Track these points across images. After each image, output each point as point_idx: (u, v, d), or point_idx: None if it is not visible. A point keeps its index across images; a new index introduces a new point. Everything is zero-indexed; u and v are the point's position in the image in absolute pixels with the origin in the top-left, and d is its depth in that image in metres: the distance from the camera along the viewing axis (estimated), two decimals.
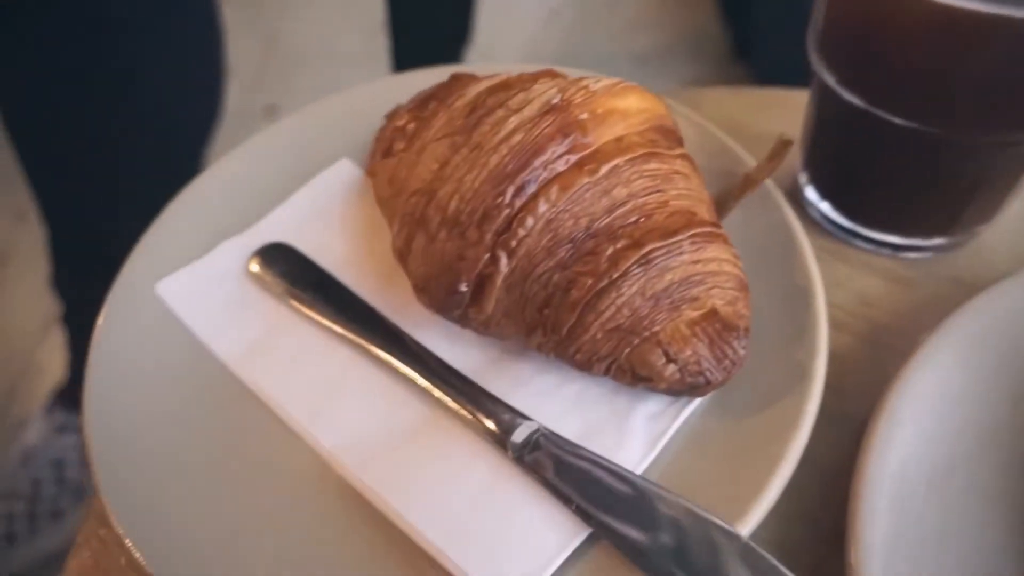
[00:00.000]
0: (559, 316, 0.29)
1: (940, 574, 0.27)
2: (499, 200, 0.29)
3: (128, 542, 0.29)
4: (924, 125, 0.32)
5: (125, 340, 0.37)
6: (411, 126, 0.36)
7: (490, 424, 0.31)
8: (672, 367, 0.29)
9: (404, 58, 1.36)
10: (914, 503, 0.28)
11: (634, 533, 0.27)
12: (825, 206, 0.39)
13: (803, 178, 0.41)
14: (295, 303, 0.37)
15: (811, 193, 0.40)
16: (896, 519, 0.28)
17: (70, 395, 1.08)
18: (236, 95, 1.03)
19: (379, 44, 1.59)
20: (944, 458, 0.29)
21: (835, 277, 0.38)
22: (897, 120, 0.32)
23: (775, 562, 0.26)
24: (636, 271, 0.28)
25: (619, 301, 0.28)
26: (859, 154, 0.36)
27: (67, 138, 0.86)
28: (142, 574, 0.32)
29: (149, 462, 0.33)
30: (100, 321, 0.38)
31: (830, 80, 0.34)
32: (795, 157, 0.42)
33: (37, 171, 0.91)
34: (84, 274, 0.95)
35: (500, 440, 0.30)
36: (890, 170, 0.35)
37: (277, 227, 0.42)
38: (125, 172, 0.89)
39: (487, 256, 0.29)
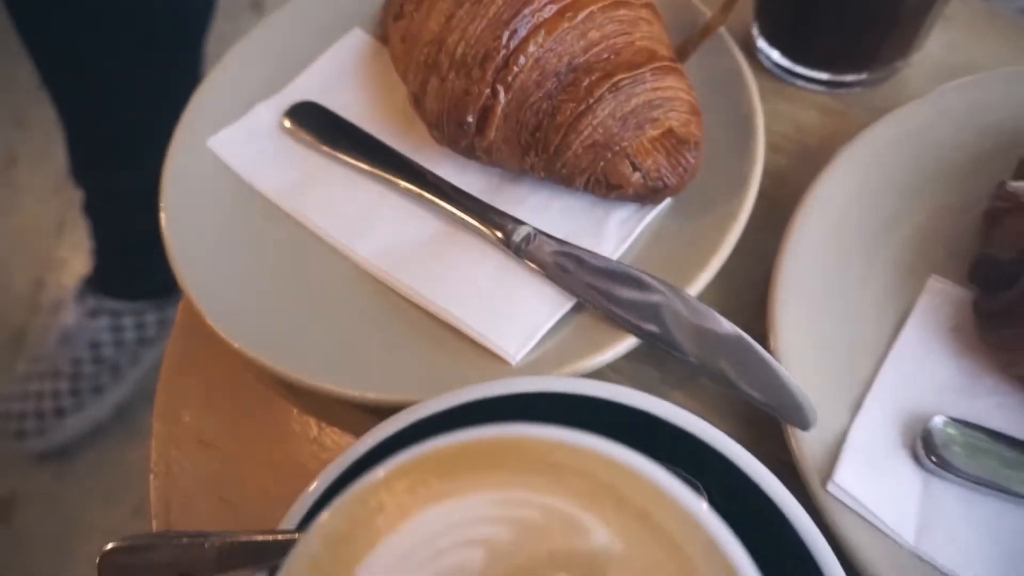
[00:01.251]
0: (547, 137, 0.37)
1: (832, 321, 0.36)
2: (497, 43, 0.36)
3: (211, 322, 0.38)
4: None
5: (188, 183, 0.45)
6: None
7: (496, 232, 0.39)
8: (637, 175, 0.37)
9: None
10: (817, 273, 0.37)
11: (610, 299, 0.36)
12: (772, 52, 0.46)
13: (755, 28, 0.47)
14: (326, 149, 0.45)
15: (760, 41, 0.47)
16: (805, 284, 0.36)
17: (98, 281, 1.16)
18: None
19: None
20: (845, 239, 0.38)
21: (777, 111, 0.45)
22: None
23: (714, 313, 0.35)
24: (607, 97, 0.36)
25: (595, 122, 0.36)
26: (797, 1, 0.43)
27: (75, 33, 0.90)
28: (228, 353, 0.41)
29: (222, 272, 0.41)
30: (165, 171, 0.45)
31: None
32: (749, 10, 0.48)
33: (47, 66, 0.95)
34: (102, 163, 1.01)
35: (504, 243, 0.39)
36: (822, 13, 0.42)
37: (302, 89, 0.48)
38: (133, 63, 0.93)
39: (488, 91, 0.37)
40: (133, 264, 1.13)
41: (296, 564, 0.22)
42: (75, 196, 1.44)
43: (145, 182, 1.00)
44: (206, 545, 0.30)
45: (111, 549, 0.31)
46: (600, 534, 0.21)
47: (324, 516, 0.22)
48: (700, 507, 0.21)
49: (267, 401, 0.40)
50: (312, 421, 0.39)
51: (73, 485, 1.20)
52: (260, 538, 0.30)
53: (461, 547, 0.21)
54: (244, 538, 0.30)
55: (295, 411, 0.39)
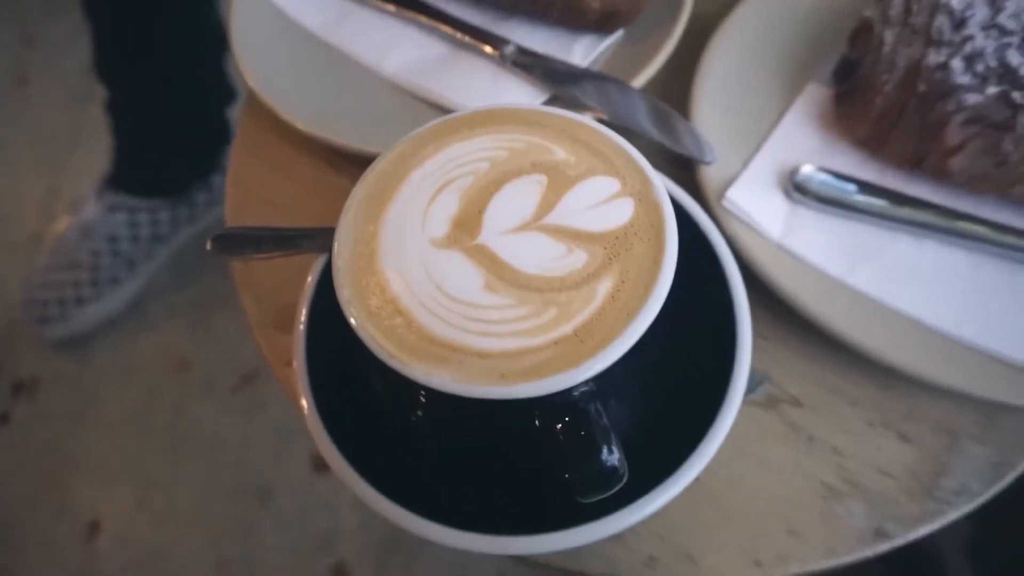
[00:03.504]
0: None
1: (738, 106, 0.49)
2: None
3: (277, 110, 0.50)
4: None
5: (250, 12, 0.56)
6: None
7: (492, 49, 0.52)
8: (597, 3, 0.50)
9: None
10: (729, 76, 0.50)
11: (575, 90, 0.49)
12: None
13: None
14: None
15: None
16: (719, 81, 0.50)
17: (118, 177, 1.26)
18: None
19: None
20: (752, 53, 0.51)
21: None
22: None
23: (651, 97, 0.48)
24: None
25: None
26: None
27: None
28: (283, 139, 0.54)
29: (282, 79, 0.53)
30: (232, 8, 0.57)
31: None
32: None
33: None
34: (127, 57, 1.10)
35: (498, 57, 0.51)
36: None
37: None
38: None
39: None
40: (151, 161, 1.23)
41: (375, 167, 0.35)
42: (88, 110, 1.54)
43: (167, 75, 1.11)
44: (282, 234, 0.43)
45: (217, 235, 0.43)
46: (561, 153, 0.34)
47: (393, 146, 0.35)
48: (623, 140, 0.35)
49: (314, 172, 0.52)
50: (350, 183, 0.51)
51: (91, 369, 1.31)
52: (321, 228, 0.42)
53: (474, 162, 0.34)
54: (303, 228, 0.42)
55: (336, 178, 0.52)
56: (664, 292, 0.31)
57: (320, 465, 1.20)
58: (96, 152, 1.38)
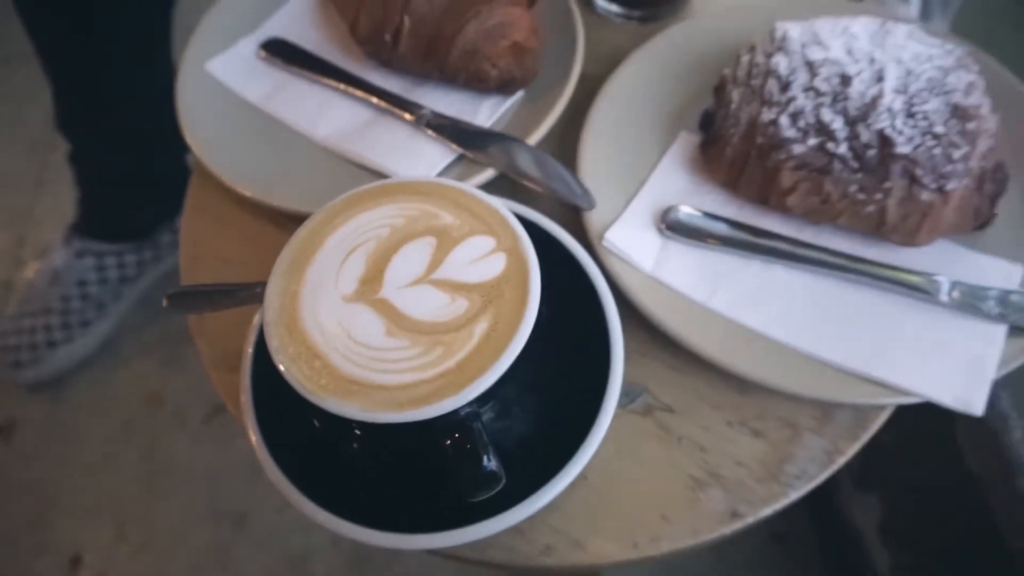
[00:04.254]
0: (438, 47, 0.57)
1: (619, 157, 0.57)
2: None
3: (222, 178, 0.58)
4: None
5: (195, 87, 0.64)
6: None
7: (407, 115, 0.60)
8: (495, 71, 0.58)
9: None
10: (611, 129, 0.58)
11: (480, 149, 0.56)
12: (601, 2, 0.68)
13: None
14: (290, 69, 0.65)
15: None
16: (603, 136, 0.58)
17: (84, 225, 1.31)
18: None
19: None
20: (631, 109, 0.59)
21: (600, 38, 0.66)
22: None
23: (543, 153, 0.56)
24: (473, 20, 0.56)
25: (467, 36, 0.57)
26: None
27: None
28: (229, 202, 0.61)
29: (225, 149, 0.60)
30: (178, 85, 0.64)
31: None
32: None
33: (33, 22, 1.07)
34: (88, 112, 1.16)
35: (413, 121, 0.59)
36: None
37: (272, 28, 0.68)
38: (115, 19, 1.07)
39: (398, 18, 0.57)
40: (115, 208, 1.29)
41: (297, 235, 0.42)
42: (51, 159, 1.59)
43: (127, 127, 1.17)
44: (228, 289, 0.50)
45: (171, 294, 0.50)
46: (448, 218, 0.42)
47: (313, 216, 0.42)
48: (499, 203, 0.42)
49: (259, 228, 0.59)
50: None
51: (66, 409, 1.36)
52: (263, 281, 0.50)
53: (377, 228, 0.42)
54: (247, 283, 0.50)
55: (278, 233, 0.59)
56: (528, 329, 0.38)
57: None
58: (61, 199, 1.44)
